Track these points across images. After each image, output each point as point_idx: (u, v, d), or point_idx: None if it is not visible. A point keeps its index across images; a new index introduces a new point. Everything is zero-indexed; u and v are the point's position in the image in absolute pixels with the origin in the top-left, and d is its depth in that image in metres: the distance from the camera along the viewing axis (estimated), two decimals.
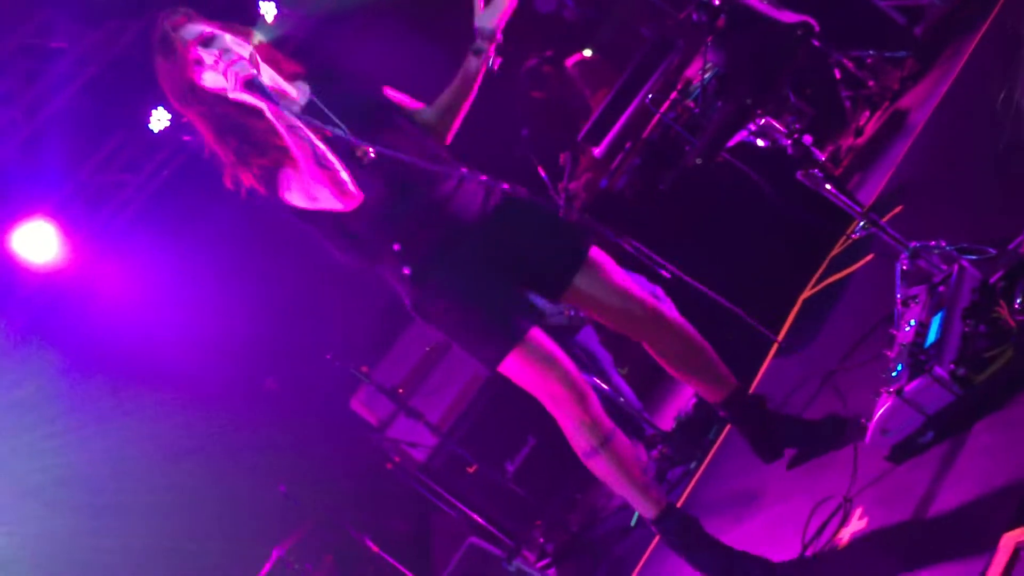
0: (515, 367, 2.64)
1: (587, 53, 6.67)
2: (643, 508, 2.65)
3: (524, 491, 5.52)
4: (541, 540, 5.22)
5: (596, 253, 2.74)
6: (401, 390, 5.72)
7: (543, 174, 4.89)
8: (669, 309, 2.82)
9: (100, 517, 5.31)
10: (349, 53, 5.40)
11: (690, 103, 4.50)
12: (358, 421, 5.91)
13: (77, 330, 5.45)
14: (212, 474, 5.63)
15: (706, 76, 4.11)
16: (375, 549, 5.35)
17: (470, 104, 2.81)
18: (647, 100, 4.91)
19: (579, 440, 2.63)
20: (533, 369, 2.62)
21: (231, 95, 2.48)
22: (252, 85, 2.45)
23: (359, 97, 2.75)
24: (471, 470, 5.82)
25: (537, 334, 2.64)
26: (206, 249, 5.57)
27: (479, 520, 5.56)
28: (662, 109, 4.76)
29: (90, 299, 5.50)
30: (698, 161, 4.15)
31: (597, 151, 5.30)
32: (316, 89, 2.71)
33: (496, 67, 2.74)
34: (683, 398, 4.65)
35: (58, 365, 5.32)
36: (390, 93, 2.82)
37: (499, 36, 2.71)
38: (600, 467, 2.63)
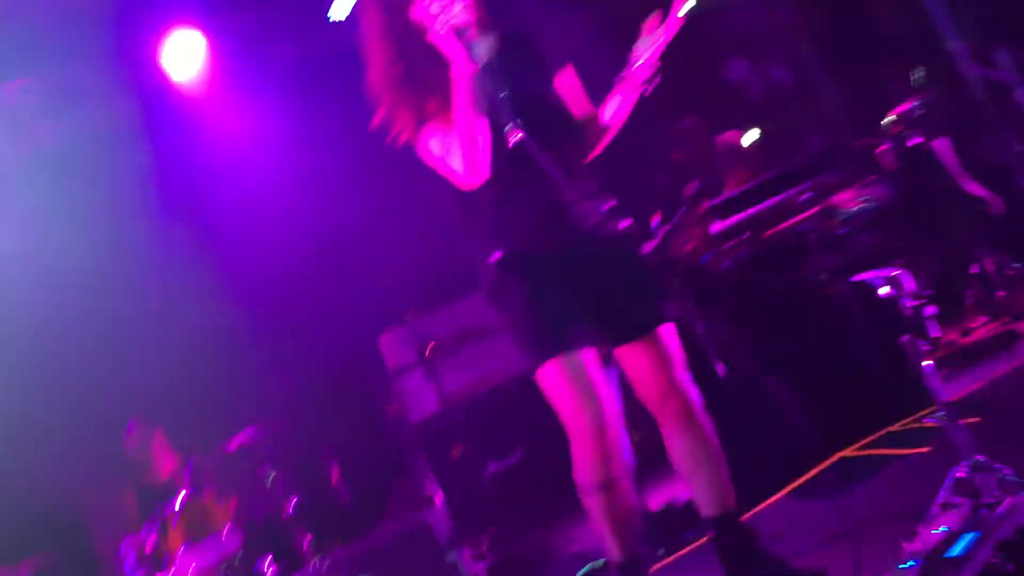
0: (552, 378, 2.61)
1: (750, 138, 6.62)
2: (613, 551, 2.62)
3: (493, 495, 5.50)
4: (484, 548, 5.18)
5: (667, 331, 2.72)
6: (431, 346, 5.72)
7: (656, 216, 4.87)
8: (701, 411, 2.76)
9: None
10: (546, 28, 5.42)
11: (834, 223, 4.43)
12: (376, 358, 5.93)
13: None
14: (222, 338, 5.72)
15: (864, 206, 4.00)
16: (333, 481, 5.38)
17: (617, 129, 2.79)
18: (791, 202, 4.84)
19: (583, 472, 2.60)
20: (568, 388, 2.59)
21: (435, 32, 2.49)
22: (460, 34, 2.46)
23: (535, 79, 2.73)
24: (455, 453, 5.82)
25: (587, 357, 2.61)
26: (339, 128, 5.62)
27: (438, 501, 5.54)
28: (802, 216, 4.69)
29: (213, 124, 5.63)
30: (823, 278, 4.07)
31: (716, 227, 5.23)
32: (501, 50, 2.65)
33: (648, 93, 2.72)
34: (683, 488, 4.58)
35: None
36: (568, 80, 2.80)
37: (653, 64, 2.67)
38: (592, 504, 2.60)
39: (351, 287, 5.81)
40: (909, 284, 3.34)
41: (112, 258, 5.46)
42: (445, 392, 5.73)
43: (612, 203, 2.67)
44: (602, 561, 3.93)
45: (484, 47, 2.49)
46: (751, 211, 5.27)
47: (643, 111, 2.78)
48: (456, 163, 2.57)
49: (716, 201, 5.34)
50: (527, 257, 2.65)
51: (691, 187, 4.64)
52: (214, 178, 5.79)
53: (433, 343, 5.78)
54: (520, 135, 2.52)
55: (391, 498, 5.74)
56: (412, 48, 2.60)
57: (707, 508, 2.74)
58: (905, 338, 2.62)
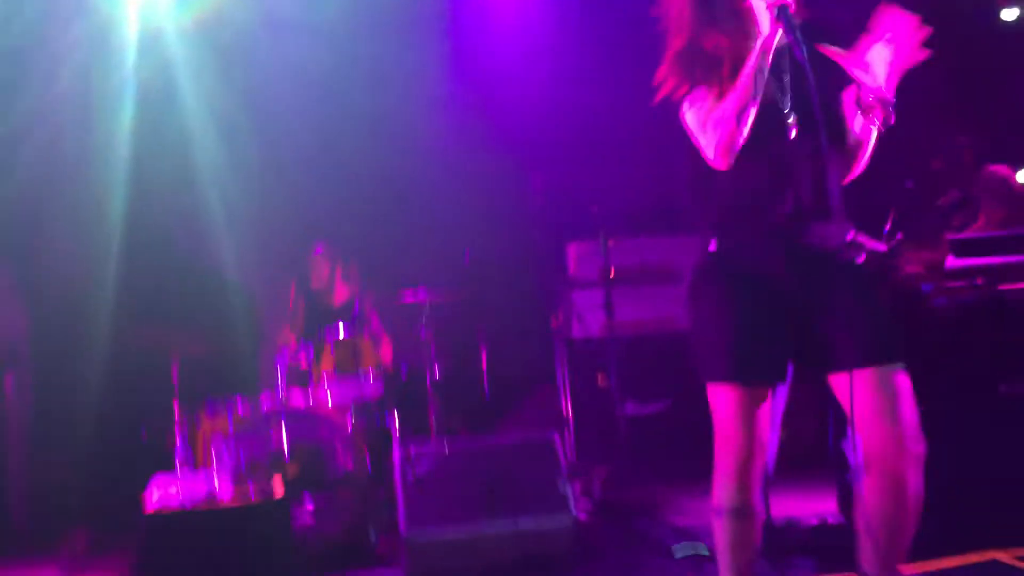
0: (723, 400, 2.48)
1: None
2: (724, 572, 2.54)
3: (623, 436, 5.48)
4: (596, 484, 5.20)
5: (902, 378, 2.42)
6: (615, 270, 5.63)
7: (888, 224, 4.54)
8: (920, 469, 2.43)
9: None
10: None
11: None
12: (561, 262, 5.92)
13: None
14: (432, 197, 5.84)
15: None
16: (482, 365, 5.45)
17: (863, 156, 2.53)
18: None
19: (720, 493, 2.52)
20: (734, 417, 2.46)
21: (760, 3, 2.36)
22: (781, 13, 2.31)
23: (832, 82, 2.48)
24: (601, 382, 5.80)
25: (762, 394, 2.46)
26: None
27: (570, 424, 5.57)
28: None
29: None
30: None
31: (952, 261, 4.84)
32: (802, 40, 2.41)
33: (883, 129, 2.44)
34: (830, 505, 4.43)
35: None
36: (853, 97, 2.56)
37: (887, 98, 2.38)
38: (719, 525, 2.53)
39: (568, 186, 5.74)
40: None
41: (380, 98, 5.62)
42: (613, 320, 5.67)
43: (856, 233, 2.46)
44: (705, 548, 3.88)
45: (798, 28, 2.33)
46: (997, 259, 4.85)
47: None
48: (707, 140, 2.44)
49: (964, 235, 4.95)
50: (745, 261, 2.49)
51: (948, 198, 4.24)
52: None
53: (618, 268, 5.70)
54: (795, 130, 2.34)
55: (527, 403, 5.82)
56: (721, 5, 2.46)
57: (868, 564, 2.51)
58: None
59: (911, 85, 2.50)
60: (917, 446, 2.39)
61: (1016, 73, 6.23)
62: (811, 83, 2.31)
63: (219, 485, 4.03)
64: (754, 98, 2.36)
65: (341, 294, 5.50)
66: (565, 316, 5.76)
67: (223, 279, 5.81)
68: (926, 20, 2.60)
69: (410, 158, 5.73)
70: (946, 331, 5.33)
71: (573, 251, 5.87)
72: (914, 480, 2.39)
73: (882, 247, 4.59)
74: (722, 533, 2.51)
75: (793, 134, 2.38)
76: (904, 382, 2.41)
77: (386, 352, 5.29)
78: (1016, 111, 6.27)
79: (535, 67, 5.79)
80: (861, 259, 2.46)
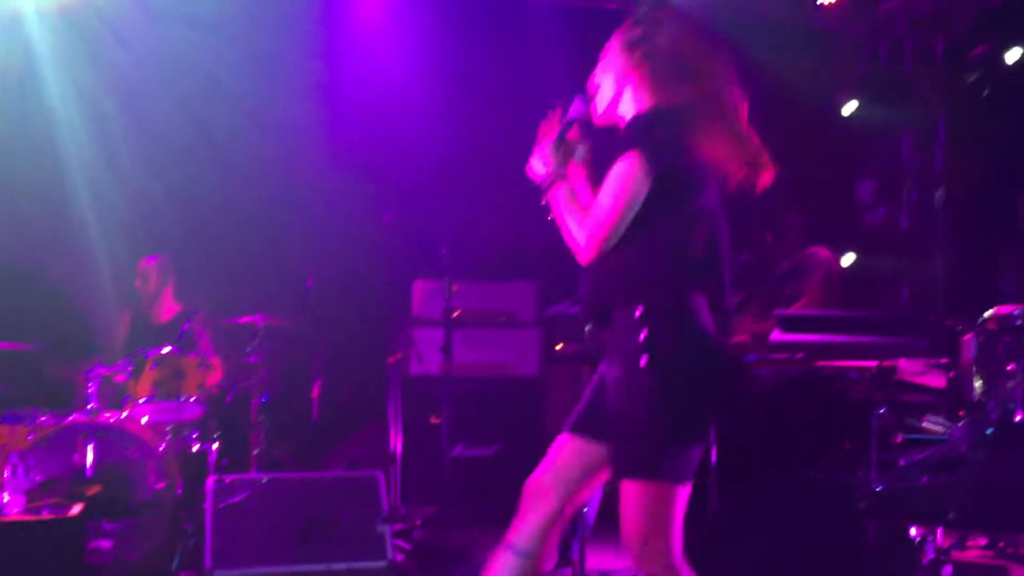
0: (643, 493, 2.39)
1: (847, 260, 6.43)
2: None
3: (448, 476, 5.43)
4: (416, 524, 5.13)
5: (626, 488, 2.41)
6: (459, 312, 5.63)
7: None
8: None
9: None
10: None
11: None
12: (404, 299, 5.86)
13: None
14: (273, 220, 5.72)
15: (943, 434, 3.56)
16: (313, 395, 5.33)
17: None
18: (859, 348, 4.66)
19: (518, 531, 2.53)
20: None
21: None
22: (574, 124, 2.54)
23: None
24: (433, 420, 5.76)
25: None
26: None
27: (397, 459, 5.50)
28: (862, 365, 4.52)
29: None
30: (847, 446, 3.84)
31: (777, 335, 5.07)
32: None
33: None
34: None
35: None
36: None
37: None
38: (500, 560, 2.51)
39: (419, 224, 5.70)
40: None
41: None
42: (451, 360, 5.65)
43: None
44: None
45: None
46: (817, 338, 5.11)
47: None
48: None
49: (790, 312, 5.19)
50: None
51: (781, 267, 4.44)
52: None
53: (461, 310, 5.69)
54: None
55: (357, 438, 5.70)
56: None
57: None
58: None
59: None
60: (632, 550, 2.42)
61: (844, 161, 6.65)
62: None
63: (8, 499, 3.74)
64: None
65: (169, 310, 5.26)
66: (404, 352, 5.70)
67: (48, 282, 5.47)
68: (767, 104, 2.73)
69: (265, 176, 5.57)
70: (765, 401, 5.60)
71: (418, 289, 5.82)
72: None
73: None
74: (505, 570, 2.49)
75: None
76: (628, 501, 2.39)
77: (214, 376, 5.07)
78: (842, 196, 6.69)
79: (400, 103, 5.75)
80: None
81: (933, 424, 3.01)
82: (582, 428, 2.54)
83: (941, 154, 6.48)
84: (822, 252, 6.03)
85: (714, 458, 5.13)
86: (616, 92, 2.54)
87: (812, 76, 6.41)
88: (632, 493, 2.35)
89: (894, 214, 6.68)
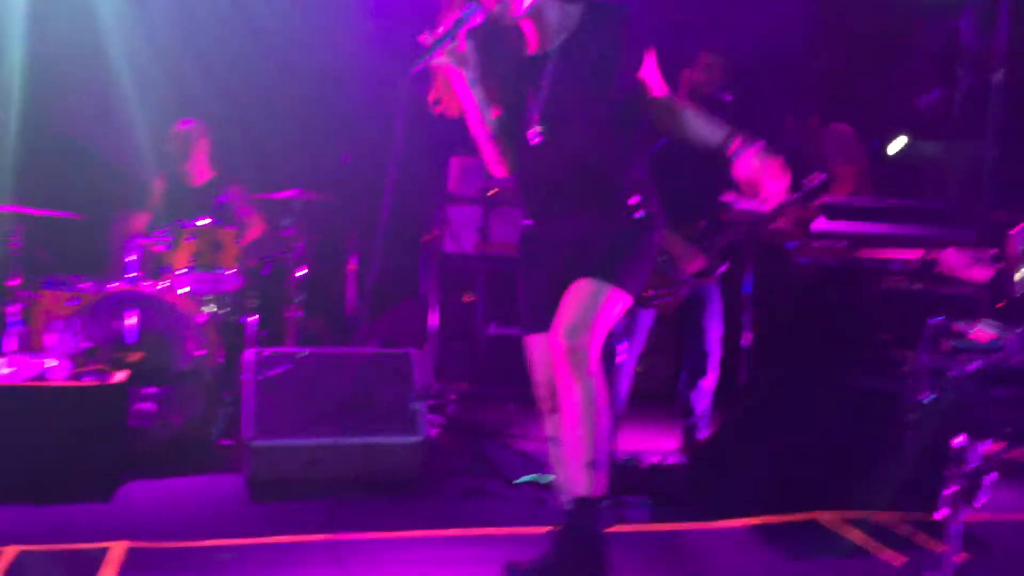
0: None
1: (897, 144, 6.24)
2: (577, 483, 2.62)
3: (481, 354, 5.49)
4: (451, 400, 5.21)
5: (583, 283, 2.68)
6: (495, 191, 5.56)
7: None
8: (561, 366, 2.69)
9: None
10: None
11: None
12: (440, 175, 5.79)
13: None
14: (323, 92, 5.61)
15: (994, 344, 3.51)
16: (347, 270, 5.31)
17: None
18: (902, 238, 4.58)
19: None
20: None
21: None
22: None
23: (586, 75, 2.68)
24: (466, 298, 5.78)
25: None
26: None
27: (431, 336, 5.55)
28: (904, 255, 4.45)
29: None
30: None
31: (819, 223, 4.98)
32: (560, 53, 2.68)
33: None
34: (673, 443, 4.56)
35: None
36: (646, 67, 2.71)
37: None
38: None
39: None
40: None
41: None
42: (487, 239, 5.62)
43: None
44: (546, 477, 3.94)
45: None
46: (860, 227, 5.02)
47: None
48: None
49: (833, 200, 5.08)
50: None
51: (812, 179, 4.34)
52: None
53: (498, 189, 5.62)
54: (538, 138, 2.67)
55: (392, 314, 5.74)
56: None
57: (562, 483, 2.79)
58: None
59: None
60: (557, 338, 2.64)
61: (898, 40, 6.38)
62: (545, 89, 2.65)
63: (54, 365, 3.83)
64: (482, 115, 2.74)
65: (203, 174, 5.22)
66: (439, 230, 5.68)
67: (88, 150, 5.45)
68: None
69: (302, 48, 5.45)
70: (805, 288, 5.56)
71: (455, 165, 5.75)
72: (559, 374, 2.65)
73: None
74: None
75: (537, 139, 2.69)
76: (583, 286, 2.66)
77: (254, 232, 5.08)
78: (895, 77, 6.44)
79: None
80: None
81: (987, 329, 2.94)
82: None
83: (1003, 35, 6.19)
84: (843, 128, 5.87)
85: (748, 340, 5.15)
86: None
87: None
88: (588, 290, 2.64)
89: (948, 97, 6.44)
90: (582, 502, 2.62)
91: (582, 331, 2.60)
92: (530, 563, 2.66)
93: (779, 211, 4.40)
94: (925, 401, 2.83)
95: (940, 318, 2.91)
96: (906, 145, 6.27)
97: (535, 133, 2.69)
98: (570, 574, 2.59)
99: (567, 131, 2.66)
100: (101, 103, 5.48)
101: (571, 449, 2.62)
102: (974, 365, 2.87)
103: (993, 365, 2.93)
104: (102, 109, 5.47)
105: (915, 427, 2.98)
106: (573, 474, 2.64)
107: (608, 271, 2.65)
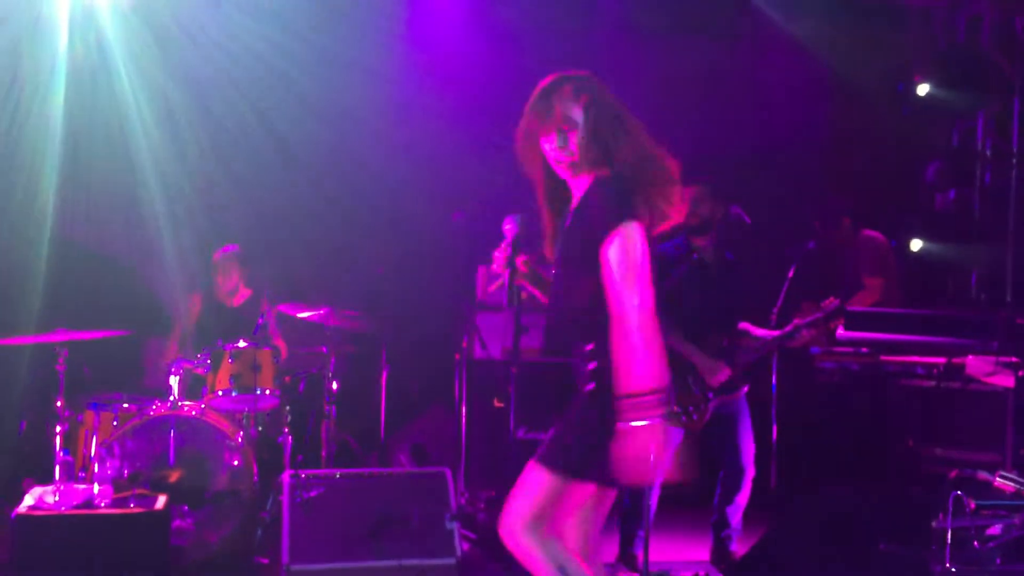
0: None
1: (916, 244, 6.33)
2: None
3: (511, 461, 5.53)
4: (481, 508, 5.26)
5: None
6: (525, 295, 5.67)
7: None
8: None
9: None
10: None
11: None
12: (469, 284, 5.93)
13: None
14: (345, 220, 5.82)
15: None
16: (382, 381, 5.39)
17: None
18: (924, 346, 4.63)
19: None
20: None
21: None
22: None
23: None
24: (496, 403, 5.86)
25: None
26: None
27: (462, 443, 5.63)
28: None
29: None
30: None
31: (841, 332, 5.05)
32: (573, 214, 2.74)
33: None
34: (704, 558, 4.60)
35: None
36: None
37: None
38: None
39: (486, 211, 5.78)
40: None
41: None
42: (517, 345, 5.71)
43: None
44: None
45: None
46: (882, 335, 5.09)
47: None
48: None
49: (856, 309, 5.17)
50: None
51: (829, 303, 4.43)
52: None
53: (528, 294, 5.73)
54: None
55: (422, 424, 5.83)
56: None
57: None
58: None
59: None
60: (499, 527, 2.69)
61: (916, 142, 6.50)
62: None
63: (98, 492, 3.94)
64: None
65: (240, 295, 5.40)
66: (469, 338, 5.79)
67: (122, 269, 5.64)
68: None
69: (331, 167, 5.65)
70: (828, 392, 5.62)
71: (483, 273, 5.89)
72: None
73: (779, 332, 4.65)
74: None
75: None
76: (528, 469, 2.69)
77: (282, 359, 5.24)
78: (913, 179, 6.55)
79: (467, 93, 5.76)
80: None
81: (1005, 482, 2.99)
82: None
83: (1018, 136, 6.31)
84: (876, 235, 5.95)
85: (774, 440, 5.20)
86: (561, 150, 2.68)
87: (885, 54, 6.26)
88: (542, 479, 2.64)
89: (966, 198, 6.55)
90: None
91: (514, 519, 2.65)
92: None
93: (795, 333, 4.47)
94: (950, 572, 2.87)
95: (958, 492, 2.92)
96: (925, 247, 6.37)
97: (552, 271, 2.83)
98: None
99: (557, 280, 2.77)
100: (132, 220, 5.67)
101: None
102: (996, 531, 2.91)
103: (1016, 534, 2.96)
104: (133, 226, 5.66)
105: None
106: None
107: (546, 454, 2.66)
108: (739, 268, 4.58)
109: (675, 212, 2.69)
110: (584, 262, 2.60)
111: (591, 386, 2.63)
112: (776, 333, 4.47)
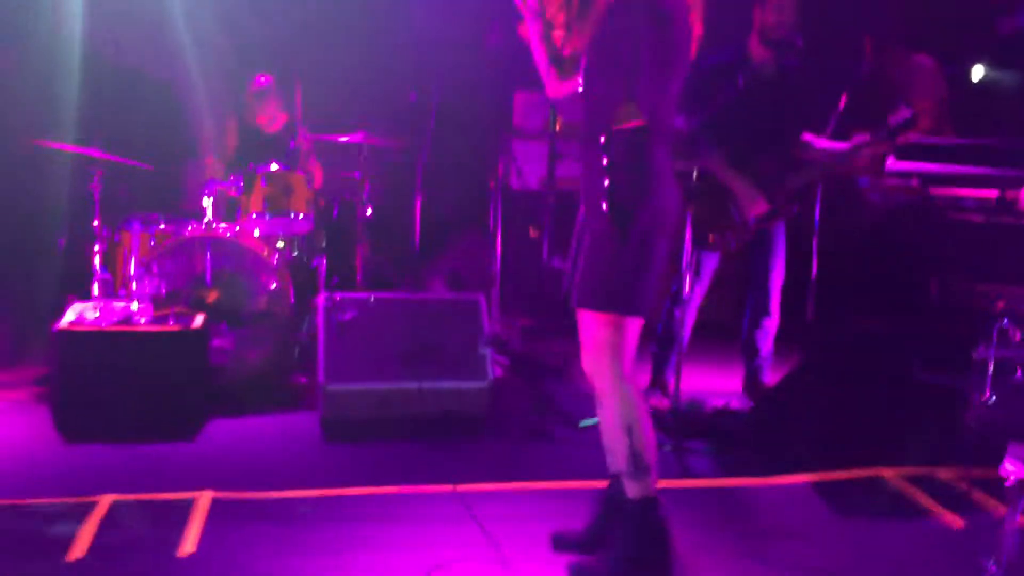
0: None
1: (978, 72, 6.01)
2: (632, 487, 2.67)
3: (546, 287, 5.53)
4: (516, 332, 5.30)
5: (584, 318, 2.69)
6: (561, 122, 5.52)
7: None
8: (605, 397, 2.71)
9: None
10: None
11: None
12: (506, 109, 5.77)
13: None
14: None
15: None
16: (416, 210, 5.35)
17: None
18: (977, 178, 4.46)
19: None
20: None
21: None
22: None
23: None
24: (533, 233, 5.81)
25: None
26: None
27: (496, 272, 5.62)
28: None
29: None
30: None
31: (892, 162, 4.86)
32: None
33: None
34: (736, 389, 4.62)
35: None
36: None
37: None
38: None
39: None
40: None
41: None
42: (553, 175, 5.60)
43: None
44: None
45: None
46: (934, 167, 4.89)
47: None
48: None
49: (909, 139, 4.95)
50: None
51: (900, 114, 4.21)
52: None
53: (564, 122, 5.57)
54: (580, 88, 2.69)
55: (458, 251, 5.80)
56: None
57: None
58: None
59: None
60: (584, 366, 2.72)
61: None
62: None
63: (137, 310, 3.99)
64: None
65: (277, 121, 5.30)
66: (505, 166, 5.68)
67: (161, 89, 5.52)
68: None
69: None
70: (875, 226, 5.47)
71: (520, 100, 5.72)
72: (596, 387, 2.71)
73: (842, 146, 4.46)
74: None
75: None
76: (583, 319, 2.68)
77: (320, 181, 5.17)
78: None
79: None
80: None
81: None
82: None
83: None
84: (926, 60, 5.64)
85: (814, 273, 5.12)
86: None
87: None
88: (588, 325, 2.65)
89: None
90: (640, 504, 2.66)
91: (599, 366, 2.65)
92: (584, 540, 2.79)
93: (859, 150, 4.30)
94: (988, 404, 2.82)
95: (1005, 321, 2.83)
96: (986, 75, 6.05)
97: (578, 84, 2.70)
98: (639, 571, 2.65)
99: (588, 91, 2.65)
100: (165, 39, 5.52)
101: (616, 446, 2.68)
102: None
103: None
104: (167, 46, 5.51)
105: (976, 430, 2.97)
106: (621, 464, 2.69)
107: (597, 298, 2.62)
108: (798, 84, 4.35)
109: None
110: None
111: (606, 206, 2.52)
112: (839, 146, 4.29)
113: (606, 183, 2.49)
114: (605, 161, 2.49)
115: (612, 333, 2.61)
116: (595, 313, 2.63)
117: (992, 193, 5.02)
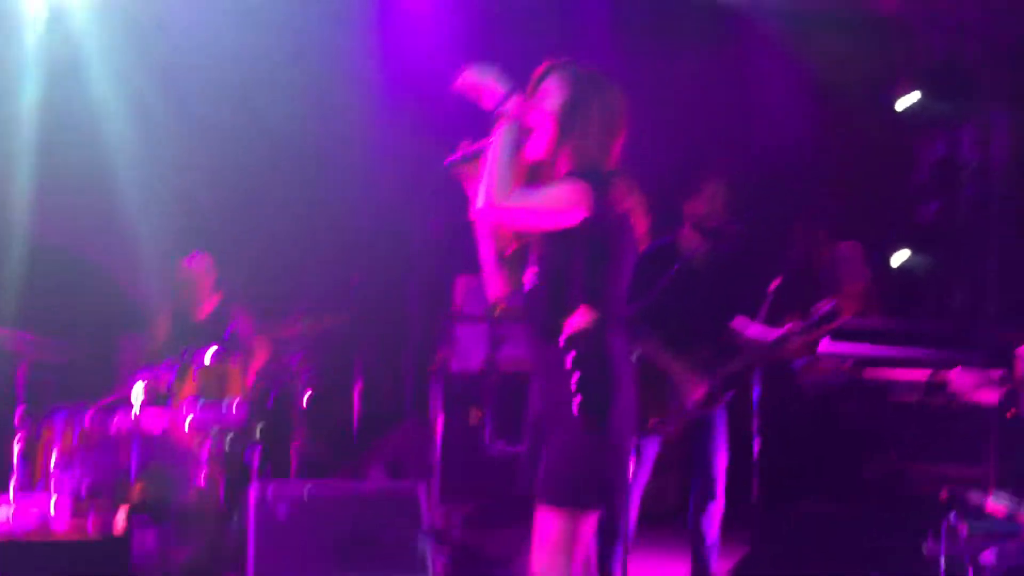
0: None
1: (899, 258, 6.28)
2: None
3: (489, 475, 5.43)
4: (455, 524, 5.14)
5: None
6: (503, 308, 5.57)
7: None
8: None
9: None
10: None
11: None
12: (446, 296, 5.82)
13: None
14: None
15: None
16: (354, 395, 5.29)
17: None
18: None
19: None
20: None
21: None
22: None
23: None
24: (473, 419, 5.74)
25: None
26: None
27: (436, 458, 5.50)
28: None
29: None
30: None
31: (825, 345, 4.96)
32: None
33: None
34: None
35: None
36: None
37: None
38: None
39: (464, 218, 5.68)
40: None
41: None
42: (495, 358, 5.61)
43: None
44: None
45: None
46: (866, 349, 5.01)
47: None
48: None
49: (839, 323, 5.09)
50: None
51: (823, 305, 4.33)
52: None
53: (506, 306, 5.62)
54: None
55: (396, 438, 5.70)
56: None
57: None
58: None
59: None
60: None
61: (899, 154, 6.45)
62: None
63: (55, 512, 3.79)
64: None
65: (209, 305, 5.24)
66: (445, 349, 5.67)
67: (92, 274, 5.48)
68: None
69: (309, 169, 5.52)
70: (810, 407, 5.53)
71: (461, 284, 5.78)
72: None
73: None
74: None
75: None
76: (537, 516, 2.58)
77: (257, 365, 5.07)
78: (895, 191, 6.50)
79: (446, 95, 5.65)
80: None
81: (998, 503, 2.89)
82: None
83: (1001, 149, 6.27)
84: (850, 246, 5.87)
85: (756, 453, 5.10)
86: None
87: (869, 66, 6.22)
88: (549, 518, 2.54)
89: (949, 210, 6.49)
90: None
91: (551, 570, 2.56)
92: None
93: (788, 339, 4.37)
94: None
95: (953, 492, 2.82)
96: (908, 259, 6.32)
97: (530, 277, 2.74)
98: None
99: (538, 290, 2.72)
100: (106, 224, 5.53)
101: None
102: (990, 559, 2.80)
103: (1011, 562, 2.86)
104: (104, 229, 5.52)
105: None
106: None
107: (563, 495, 2.53)
108: (730, 270, 4.46)
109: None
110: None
111: (578, 399, 2.51)
112: (769, 333, 4.35)
113: (573, 385, 2.50)
114: (569, 363, 2.51)
115: (573, 529, 2.53)
116: (558, 509, 2.53)
117: (923, 374, 5.15)
